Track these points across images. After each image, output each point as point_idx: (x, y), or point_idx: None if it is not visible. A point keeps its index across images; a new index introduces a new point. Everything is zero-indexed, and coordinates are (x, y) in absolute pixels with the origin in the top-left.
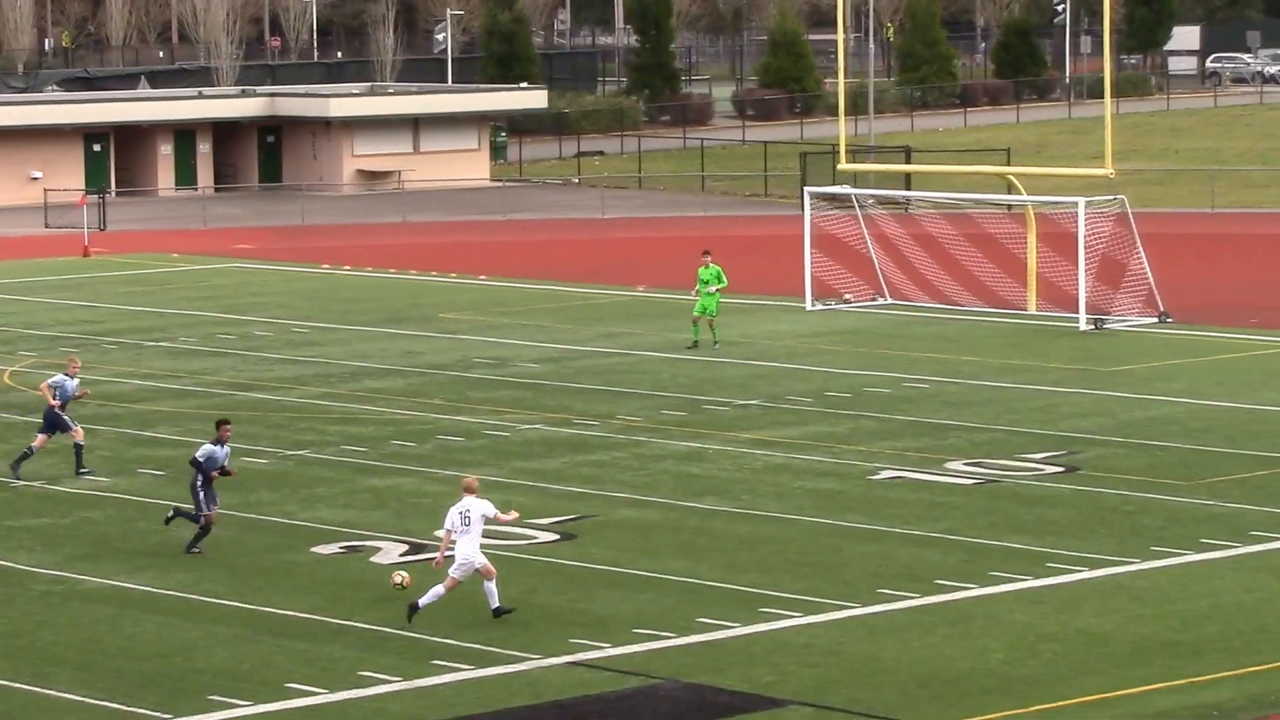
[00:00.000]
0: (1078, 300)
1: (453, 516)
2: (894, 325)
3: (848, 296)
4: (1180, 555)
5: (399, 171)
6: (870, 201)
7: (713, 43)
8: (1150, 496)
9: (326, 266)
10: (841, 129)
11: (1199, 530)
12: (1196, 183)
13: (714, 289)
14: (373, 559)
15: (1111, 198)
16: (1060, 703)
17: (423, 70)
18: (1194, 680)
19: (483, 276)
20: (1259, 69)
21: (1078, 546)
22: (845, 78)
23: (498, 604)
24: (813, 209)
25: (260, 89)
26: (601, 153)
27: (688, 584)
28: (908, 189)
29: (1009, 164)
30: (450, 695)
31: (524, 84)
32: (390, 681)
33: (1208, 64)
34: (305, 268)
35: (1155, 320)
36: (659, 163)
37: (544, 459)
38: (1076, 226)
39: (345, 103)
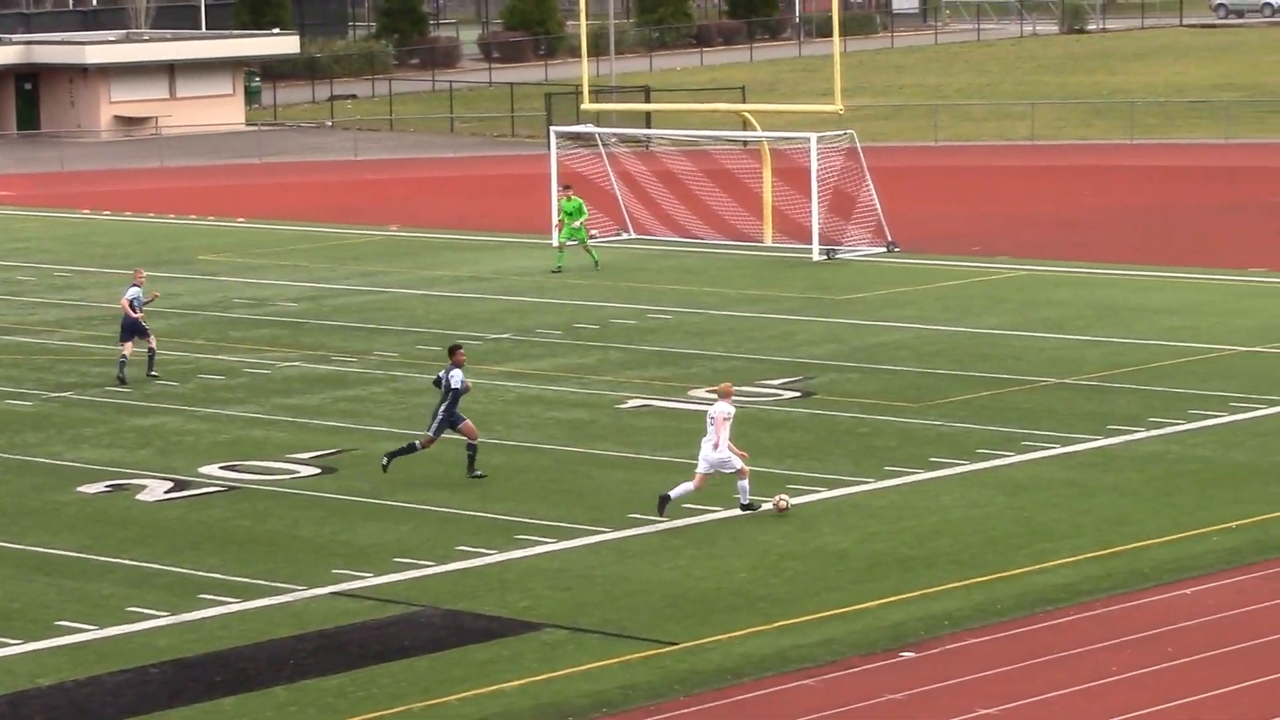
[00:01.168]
0: (811, 232)
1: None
2: (638, 259)
3: (593, 232)
4: (911, 474)
5: (156, 117)
6: (613, 140)
7: None
8: (882, 418)
9: (87, 212)
10: (584, 70)
11: (929, 450)
12: (920, 118)
13: (578, 223)
14: (138, 497)
15: (841, 133)
16: (802, 618)
17: (177, 17)
18: (926, 592)
19: (240, 219)
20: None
21: (815, 468)
22: (587, 20)
23: (747, 500)
24: (558, 148)
25: (15, 37)
26: (354, 96)
27: (446, 514)
28: (648, 127)
29: (744, 102)
30: (217, 629)
31: (276, 30)
32: (158, 616)
33: None
34: (66, 213)
35: (884, 250)
36: (409, 105)
37: (303, 395)
38: (809, 161)
39: (101, 50)
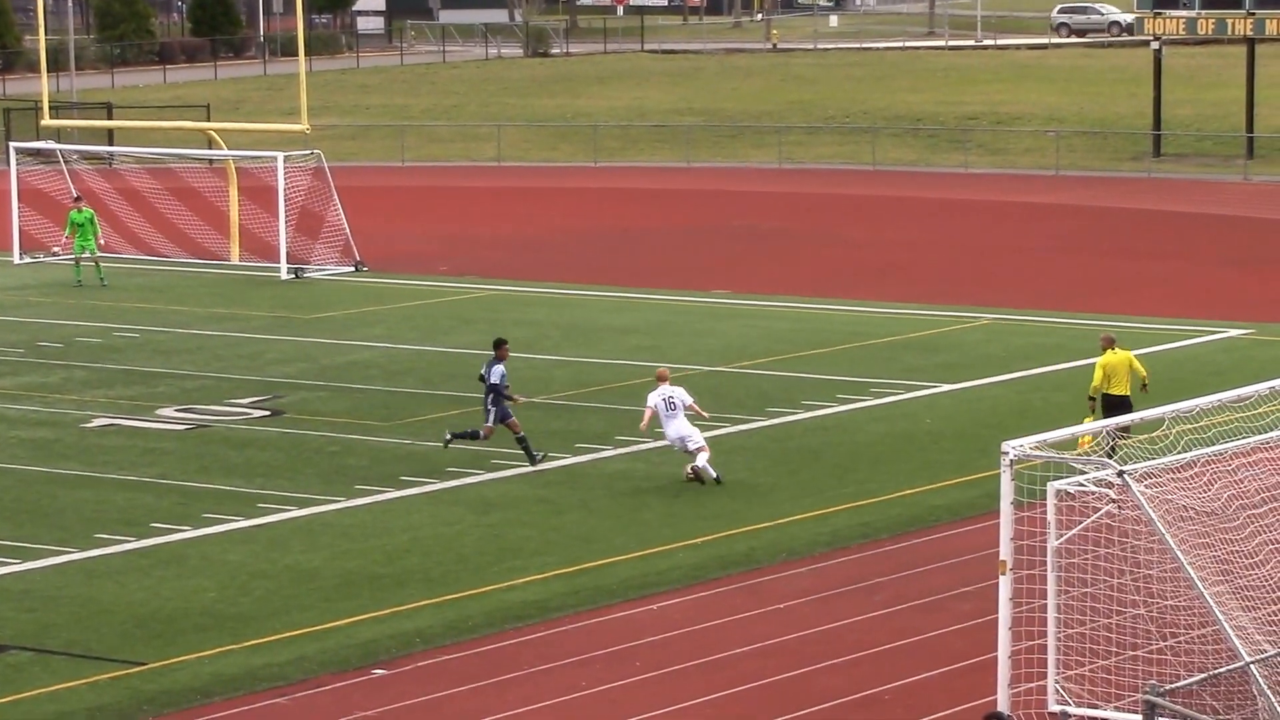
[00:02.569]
0: (279, 250)
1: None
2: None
3: (56, 250)
4: (382, 492)
5: None
6: (75, 157)
7: None
8: (353, 437)
9: None
10: (44, 85)
11: (399, 468)
12: (387, 138)
13: (101, 239)
14: None
15: (308, 152)
16: (273, 636)
17: None
18: (397, 610)
19: None
20: (1114, 19)
21: (286, 486)
22: (45, 34)
23: (714, 475)
24: (18, 164)
25: None
26: None
27: None
28: (111, 144)
29: (209, 120)
30: None
31: None
32: None
33: (1054, 15)
34: None
35: (352, 269)
36: None
37: None
38: (275, 180)
39: None
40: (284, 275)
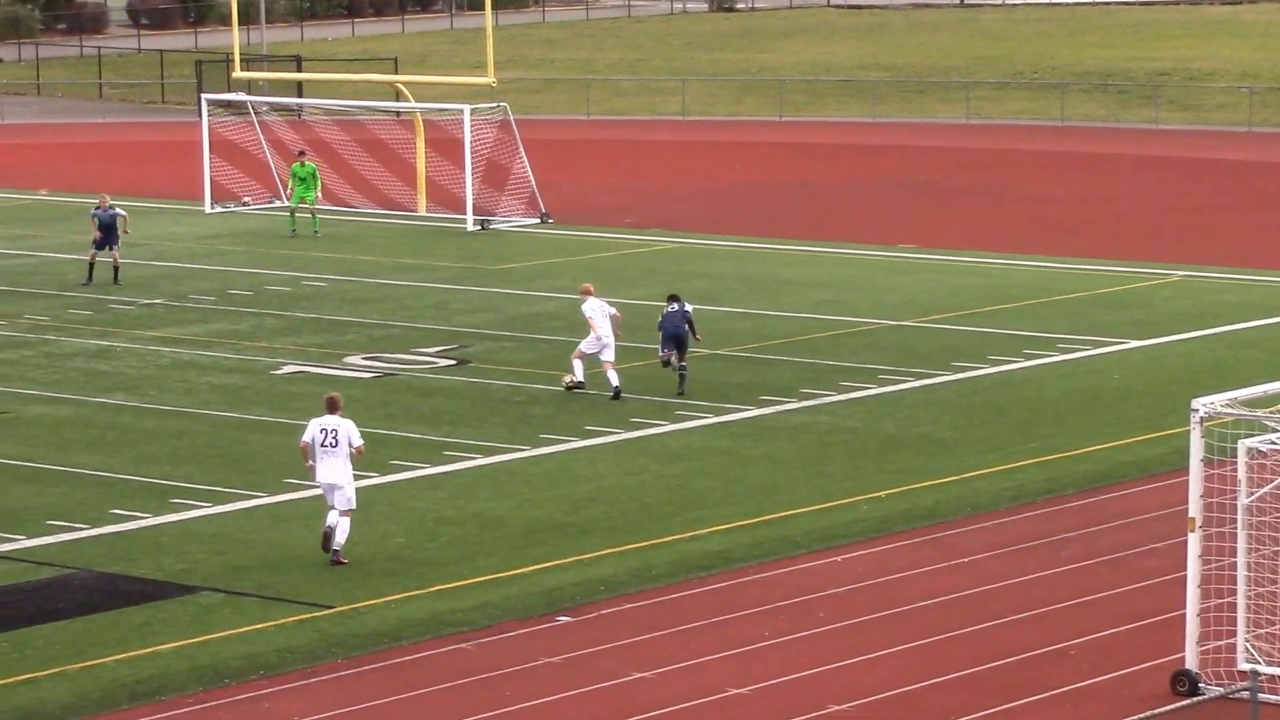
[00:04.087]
0: (465, 202)
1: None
2: (291, 226)
3: (246, 199)
4: (567, 442)
5: None
6: (265, 109)
7: None
8: (537, 387)
9: None
10: (235, 37)
11: (584, 418)
12: (572, 91)
13: (318, 194)
14: None
15: (494, 105)
16: (458, 583)
17: None
18: (581, 558)
19: None
20: None
21: (472, 435)
22: None
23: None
24: (210, 115)
25: None
26: None
27: (99, 477)
28: (300, 96)
29: (396, 73)
30: None
31: None
32: None
33: None
34: None
35: (537, 221)
36: (56, 70)
37: None
38: (462, 133)
39: None
40: (470, 227)
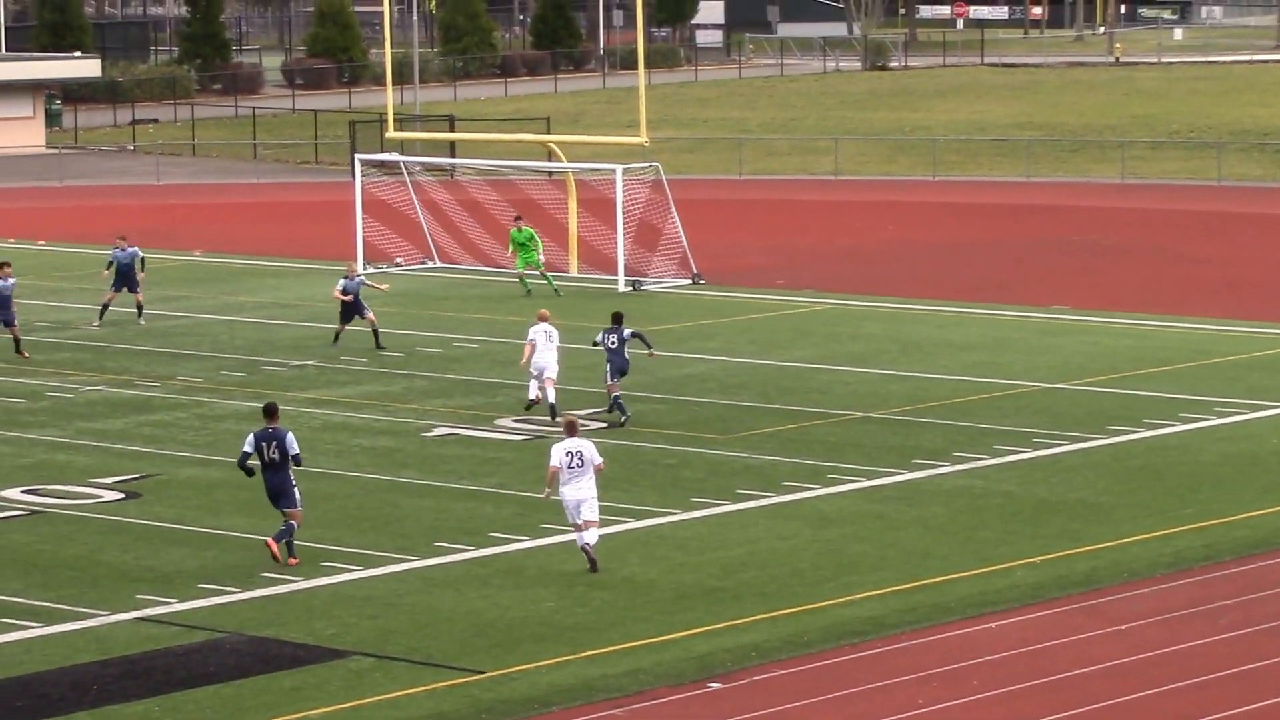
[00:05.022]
0: (616, 262)
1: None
2: (443, 287)
3: (399, 260)
4: (718, 505)
5: None
6: (418, 169)
7: (261, 13)
8: (689, 450)
9: None
10: (389, 98)
11: (735, 481)
12: (725, 151)
13: (541, 254)
14: None
15: (646, 165)
16: (609, 648)
17: None
18: (733, 623)
19: (41, 241)
20: None
21: (622, 498)
22: (391, 48)
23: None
24: (363, 175)
25: None
26: (155, 120)
27: (250, 540)
28: (453, 156)
29: (549, 132)
30: (19, 653)
31: (77, 53)
32: None
33: None
34: None
35: (689, 281)
36: (211, 130)
37: (107, 419)
38: (614, 193)
39: None
40: (621, 287)
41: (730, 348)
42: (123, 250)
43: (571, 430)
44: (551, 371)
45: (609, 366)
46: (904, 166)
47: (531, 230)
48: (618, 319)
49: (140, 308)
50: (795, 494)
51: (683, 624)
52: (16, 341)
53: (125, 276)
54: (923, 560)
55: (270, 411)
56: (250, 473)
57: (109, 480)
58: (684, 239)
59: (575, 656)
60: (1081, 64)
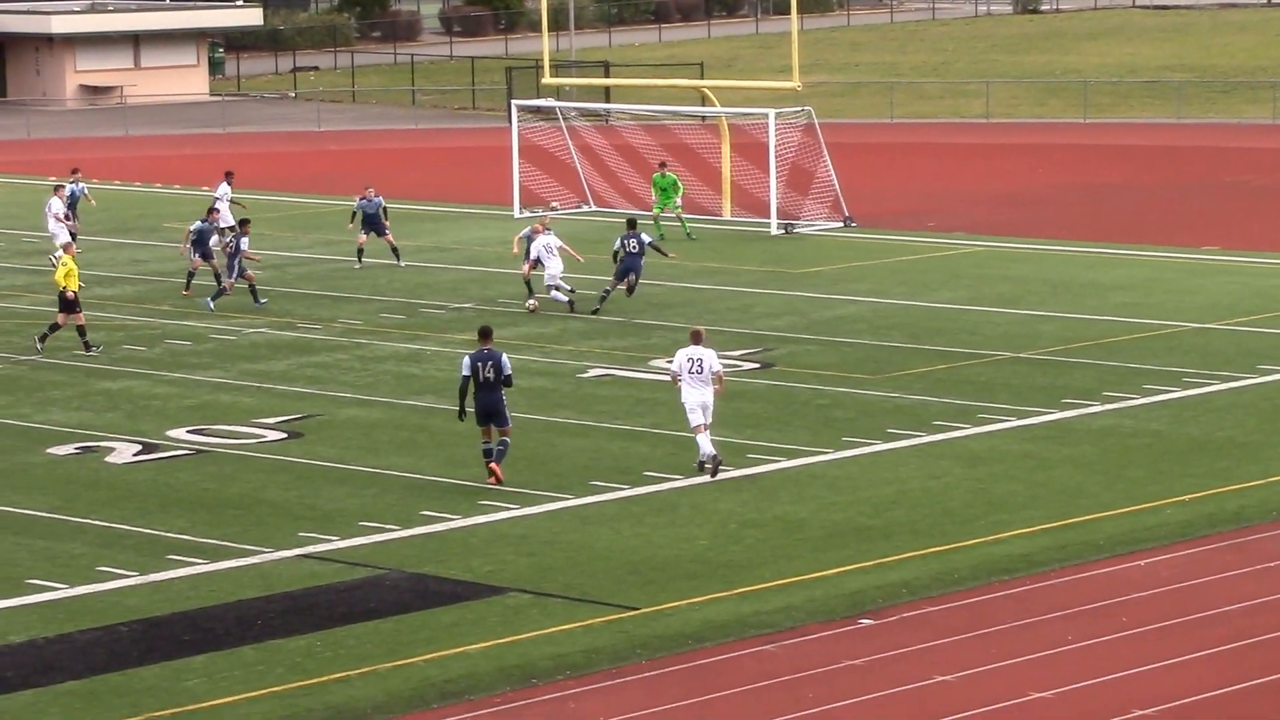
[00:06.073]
0: (769, 206)
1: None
2: (598, 231)
3: (554, 204)
4: (869, 445)
5: (121, 87)
6: (573, 114)
7: None
8: (840, 390)
9: (53, 179)
10: (545, 44)
11: (886, 421)
12: (876, 95)
13: (679, 199)
14: (107, 459)
15: (799, 109)
16: (762, 585)
17: None
18: (883, 561)
19: (205, 188)
20: None
21: (775, 438)
22: None
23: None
24: (519, 121)
25: None
26: (316, 68)
27: (410, 479)
28: (608, 102)
29: (702, 78)
30: (185, 589)
31: (239, 1)
32: (127, 576)
33: None
34: (32, 180)
35: (841, 225)
36: (371, 77)
37: (269, 361)
38: (767, 137)
39: (66, 19)
40: (774, 230)
41: (881, 289)
42: (369, 200)
43: (697, 339)
44: (558, 279)
45: (620, 268)
46: (1055, 109)
47: (675, 176)
48: (632, 224)
49: (396, 250)
50: (945, 433)
51: (834, 561)
52: (217, 277)
53: (372, 221)
54: (1072, 499)
55: (485, 333)
56: (464, 415)
57: (272, 420)
58: (836, 182)
59: (728, 593)
60: (1234, 5)
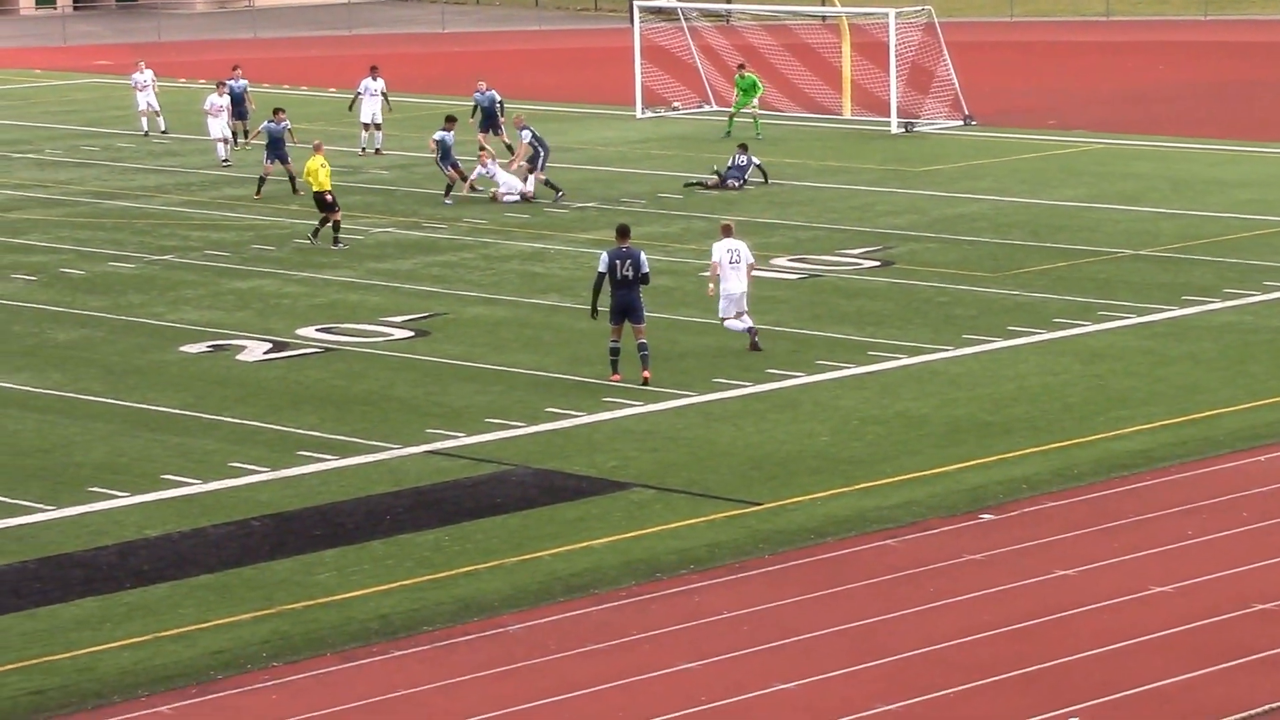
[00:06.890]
0: (889, 105)
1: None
2: (720, 130)
3: (676, 104)
4: (990, 342)
5: None
6: (695, 14)
7: None
8: (961, 288)
9: (183, 81)
10: None
11: (1006, 319)
12: None
13: (756, 100)
14: (238, 357)
15: (919, 9)
16: (882, 480)
17: None
18: (1004, 457)
19: (331, 89)
20: None
21: (896, 335)
22: None
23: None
24: (641, 22)
25: None
26: None
27: (535, 376)
28: (729, 2)
29: None
30: (316, 484)
31: None
32: (259, 472)
33: None
34: (163, 82)
35: (961, 123)
36: None
37: (396, 260)
38: (887, 36)
39: None
40: (894, 129)
41: (1001, 187)
42: (482, 93)
43: (728, 232)
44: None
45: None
46: (1176, 6)
47: (754, 77)
48: (624, 232)
49: (510, 148)
50: (1066, 330)
51: (955, 457)
52: (292, 180)
53: (489, 116)
54: (1192, 395)
55: (623, 231)
56: (596, 313)
57: (398, 319)
58: (956, 81)
59: (849, 489)
60: None
